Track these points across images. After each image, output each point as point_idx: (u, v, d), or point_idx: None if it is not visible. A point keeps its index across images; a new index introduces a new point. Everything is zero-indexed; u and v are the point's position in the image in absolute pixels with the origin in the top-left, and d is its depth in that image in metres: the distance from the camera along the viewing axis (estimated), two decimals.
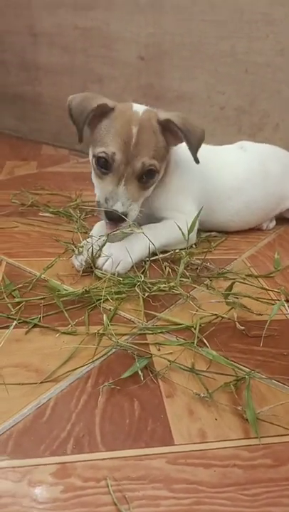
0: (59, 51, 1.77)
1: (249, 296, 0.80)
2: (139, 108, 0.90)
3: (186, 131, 0.87)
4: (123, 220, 0.85)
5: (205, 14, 1.38)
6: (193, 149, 0.89)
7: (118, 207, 0.84)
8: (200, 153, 0.93)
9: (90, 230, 1.00)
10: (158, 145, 0.88)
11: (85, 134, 0.90)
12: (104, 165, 0.86)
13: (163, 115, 0.89)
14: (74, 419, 0.55)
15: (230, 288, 0.77)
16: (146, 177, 0.88)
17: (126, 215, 0.85)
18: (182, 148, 0.92)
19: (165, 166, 0.96)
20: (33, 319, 0.71)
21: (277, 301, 0.79)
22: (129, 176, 0.85)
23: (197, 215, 0.93)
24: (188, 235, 0.91)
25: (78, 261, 0.86)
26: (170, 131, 0.90)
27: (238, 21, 1.33)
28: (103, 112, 0.88)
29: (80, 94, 0.91)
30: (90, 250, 0.85)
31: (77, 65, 1.74)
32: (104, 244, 0.86)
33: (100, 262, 0.85)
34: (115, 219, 0.85)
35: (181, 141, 0.91)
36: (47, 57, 1.81)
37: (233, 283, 0.77)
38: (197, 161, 0.90)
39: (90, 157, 0.91)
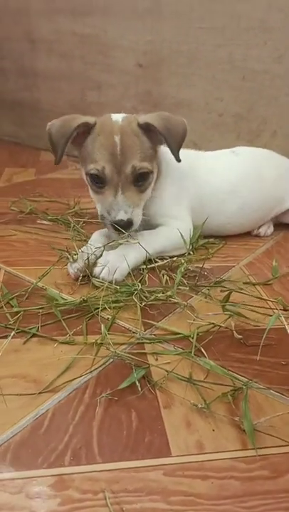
0: (57, 58, 1.77)
1: (246, 305, 0.80)
2: (117, 117, 0.92)
3: (165, 131, 0.88)
4: (130, 227, 0.88)
5: (202, 21, 1.38)
6: (174, 148, 0.90)
7: (122, 215, 0.86)
8: (191, 160, 0.94)
9: (88, 237, 1.00)
10: (143, 146, 0.89)
11: (69, 154, 0.91)
12: (98, 180, 0.88)
13: (142, 118, 0.90)
14: (71, 430, 0.55)
15: (227, 297, 0.77)
16: (141, 180, 0.90)
17: (131, 222, 0.87)
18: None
19: (157, 169, 0.97)
20: (31, 329, 0.71)
21: (275, 310, 0.79)
22: (124, 184, 0.87)
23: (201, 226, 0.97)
24: (188, 243, 0.93)
25: (72, 269, 0.87)
26: (153, 134, 0.91)
27: (235, 28, 1.33)
28: (85, 130, 0.90)
29: (58, 120, 0.92)
30: (85, 258, 0.86)
31: (75, 72, 1.75)
32: (101, 255, 0.86)
33: (96, 270, 0.86)
34: (123, 227, 0.87)
35: (160, 143, 0.93)
36: (45, 63, 1.82)
37: (230, 293, 0.77)
38: (178, 160, 0.91)
39: (83, 175, 0.93)
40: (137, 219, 0.89)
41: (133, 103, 1.64)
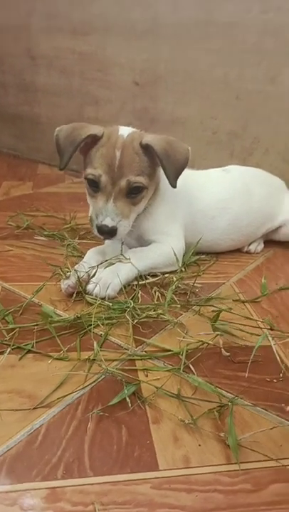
0: (57, 74, 1.82)
1: (235, 323, 0.83)
2: (124, 131, 0.95)
3: (163, 156, 0.91)
4: (113, 235, 0.91)
5: (198, 43, 1.43)
6: (170, 175, 0.93)
7: (108, 222, 0.90)
8: (184, 178, 0.97)
9: (84, 254, 1.03)
10: (141, 164, 0.93)
11: (76, 160, 0.94)
12: (93, 184, 0.93)
13: (146, 139, 0.93)
14: (64, 444, 0.57)
15: (217, 316, 0.80)
16: (134, 193, 0.93)
17: (115, 230, 0.91)
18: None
19: (155, 187, 1.00)
20: (26, 345, 0.74)
21: (263, 330, 0.83)
22: (117, 194, 0.91)
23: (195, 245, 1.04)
24: (180, 260, 0.97)
25: (64, 285, 0.90)
26: (153, 153, 0.94)
27: (230, 50, 1.38)
28: (93, 141, 0.93)
29: (67, 126, 0.96)
30: (78, 275, 0.89)
31: (74, 88, 1.79)
32: (94, 274, 0.89)
33: (90, 287, 0.89)
34: (105, 233, 0.91)
35: (157, 165, 0.96)
36: (45, 79, 1.86)
37: (219, 312, 0.80)
38: (174, 186, 0.95)
39: (83, 178, 0.97)
40: (123, 229, 0.92)
41: (130, 119, 1.68)
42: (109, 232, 0.91)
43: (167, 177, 0.93)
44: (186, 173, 1.14)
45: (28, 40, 1.83)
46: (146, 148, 0.93)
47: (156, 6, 1.48)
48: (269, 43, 1.30)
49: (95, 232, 0.93)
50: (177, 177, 0.95)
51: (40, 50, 1.83)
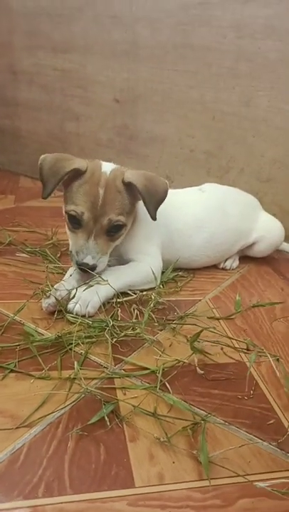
0: (38, 89, 1.84)
1: (210, 342, 0.87)
2: (107, 168, 0.98)
3: (145, 192, 0.95)
4: (93, 271, 0.95)
5: (176, 65, 1.48)
6: (151, 209, 0.97)
7: (88, 260, 0.94)
8: None
9: (65, 271, 1.06)
10: (123, 202, 0.97)
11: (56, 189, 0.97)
12: (74, 221, 0.96)
13: (128, 176, 0.96)
14: (45, 464, 0.60)
15: (197, 335, 0.83)
16: (114, 231, 0.97)
17: (95, 267, 0.95)
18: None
19: (132, 221, 1.04)
20: (9, 364, 0.77)
21: (238, 348, 0.87)
22: (98, 232, 0.95)
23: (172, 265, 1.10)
24: (158, 278, 1.01)
25: (45, 304, 0.93)
26: (134, 189, 0.98)
27: (206, 73, 1.43)
28: (75, 175, 0.96)
29: (52, 156, 0.98)
30: (58, 294, 0.92)
31: (55, 103, 1.82)
32: (74, 295, 0.92)
33: (70, 306, 0.92)
34: (85, 270, 0.95)
35: (138, 199, 1.00)
36: (26, 94, 1.88)
37: (201, 331, 0.83)
38: (154, 219, 0.98)
39: (63, 212, 0.99)
40: (102, 265, 0.97)
41: (110, 135, 1.72)
42: (89, 269, 0.95)
43: (148, 210, 0.97)
44: None
45: (10, 56, 1.86)
46: (128, 185, 0.97)
47: (135, 28, 1.53)
48: (243, 68, 1.36)
49: (74, 266, 0.97)
50: (156, 209, 0.99)
51: (21, 66, 1.85)
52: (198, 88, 1.46)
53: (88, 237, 0.95)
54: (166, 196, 1.00)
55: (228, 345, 0.88)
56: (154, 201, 0.98)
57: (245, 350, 0.88)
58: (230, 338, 0.91)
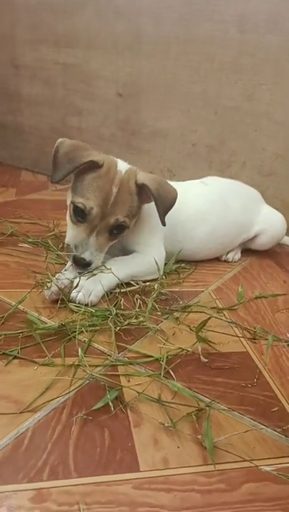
0: (40, 84, 1.84)
1: (213, 331, 0.87)
2: (122, 167, 0.97)
3: (157, 196, 0.95)
4: (87, 267, 0.94)
5: (179, 59, 1.48)
6: (162, 213, 0.97)
7: (86, 256, 0.93)
8: None
9: (66, 262, 1.05)
10: (132, 204, 0.97)
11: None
12: (80, 214, 0.93)
13: (141, 178, 0.96)
14: (50, 448, 0.60)
15: (203, 323, 0.83)
16: (116, 231, 0.96)
17: (90, 263, 0.94)
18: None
19: (134, 224, 1.03)
20: (12, 351, 0.76)
21: (241, 338, 0.87)
22: (101, 229, 0.93)
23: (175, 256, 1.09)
24: (161, 269, 1.01)
25: (48, 292, 0.92)
26: (145, 193, 0.98)
27: (209, 67, 1.43)
28: (90, 166, 0.94)
29: (70, 142, 0.96)
30: (60, 283, 0.92)
31: (57, 98, 1.82)
32: (77, 285, 0.92)
33: (72, 295, 0.92)
34: (80, 265, 0.94)
35: (149, 201, 1.00)
36: (28, 89, 1.88)
37: (209, 318, 0.83)
38: (164, 224, 0.98)
39: (68, 201, 0.98)
40: (97, 262, 0.96)
41: (112, 130, 1.72)
42: (84, 265, 0.93)
43: (159, 214, 0.97)
44: None
45: (12, 50, 1.86)
46: (140, 187, 0.96)
47: (138, 23, 1.53)
48: (246, 62, 1.36)
49: (70, 260, 0.96)
50: (166, 214, 0.99)
51: (24, 60, 1.85)
52: (201, 82, 1.46)
53: (90, 232, 0.93)
54: (174, 203, 1.00)
55: (235, 335, 0.88)
56: (164, 206, 0.98)
57: (252, 340, 0.88)
58: (239, 325, 0.92)
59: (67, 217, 0.99)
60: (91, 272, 0.95)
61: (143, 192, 0.98)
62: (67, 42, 1.71)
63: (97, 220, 0.93)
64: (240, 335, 0.90)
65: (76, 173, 0.96)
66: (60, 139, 0.96)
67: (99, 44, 1.64)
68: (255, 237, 1.28)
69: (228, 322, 0.91)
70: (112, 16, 1.58)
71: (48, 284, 0.93)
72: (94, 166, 0.94)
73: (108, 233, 0.95)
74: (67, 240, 0.98)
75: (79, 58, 1.70)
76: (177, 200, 1.14)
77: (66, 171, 0.92)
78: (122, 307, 0.93)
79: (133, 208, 0.97)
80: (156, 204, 0.96)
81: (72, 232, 0.97)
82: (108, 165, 0.95)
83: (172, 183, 1.21)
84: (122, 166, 0.98)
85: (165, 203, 0.98)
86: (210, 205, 1.20)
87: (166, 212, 0.99)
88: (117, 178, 0.94)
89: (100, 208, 0.92)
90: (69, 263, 1.02)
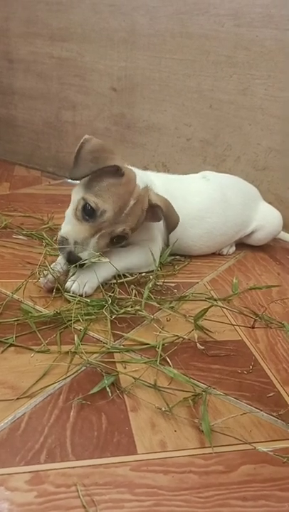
0: (34, 77, 1.84)
1: (209, 320, 0.87)
2: (141, 182, 0.97)
3: (167, 218, 1.01)
4: (76, 262, 0.90)
5: (174, 53, 1.48)
6: (169, 231, 1.04)
7: (84, 255, 0.90)
8: (166, 184, 1.02)
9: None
10: (140, 220, 0.98)
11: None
12: (88, 213, 0.90)
13: (154, 198, 0.99)
14: (47, 431, 0.60)
15: (204, 312, 0.83)
16: (116, 240, 0.96)
17: (80, 259, 0.90)
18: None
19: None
20: (8, 339, 0.76)
21: (235, 327, 0.87)
22: (105, 234, 0.92)
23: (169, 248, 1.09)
24: (158, 261, 1.02)
25: (44, 280, 0.92)
26: (154, 212, 1.00)
27: (204, 62, 1.43)
28: (112, 170, 0.92)
29: (97, 141, 0.95)
30: (55, 273, 0.91)
31: (51, 92, 1.81)
32: (73, 274, 0.92)
33: (67, 285, 0.91)
34: (71, 260, 0.90)
35: (155, 221, 1.04)
36: (22, 82, 1.88)
37: (210, 306, 0.84)
38: (167, 244, 1.07)
39: (77, 196, 0.94)
40: (88, 263, 0.92)
41: (107, 124, 1.72)
42: (74, 261, 0.90)
43: (167, 231, 1.06)
44: (168, 178, 1.19)
45: (6, 43, 1.85)
46: (151, 206, 0.99)
47: (133, 17, 1.53)
48: (241, 56, 1.36)
49: (62, 254, 0.93)
50: (171, 233, 1.06)
51: (18, 54, 1.84)
52: (196, 76, 1.46)
53: (94, 234, 0.91)
54: (177, 226, 1.05)
55: (232, 324, 0.89)
56: (171, 227, 1.04)
57: (252, 328, 0.88)
58: (240, 312, 0.92)
59: (69, 212, 0.96)
60: (87, 260, 0.94)
61: (152, 211, 1.00)
62: (62, 36, 1.71)
63: (105, 225, 0.91)
64: (235, 323, 0.90)
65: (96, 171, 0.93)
66: (86, 136, 0.95)
67: (94, 38, 1.64)
68: (251, 232, 1.28)
69: (230, 310, 0.91)
70: (106, 10, 1.58)
71: (45, 272, 0.92)
72: (116, 171, 0.93)
73: (109, 240, 0.94)
74: (64, 234, 0.93)
75: (73, 52, 1.70)
76: (179, 197, 1.14)
77: (88, 170, 0.90)
78: (118, 298, 0.93)
79: (139, 223, 0.98)
80: (166, 223, 1.03)
81: (72, 228, 0.93)
82: (129, 175, 0.95)
83: (173, 177, 1.22)
84: (140, 180, 0.98)
85: (172, 224, 1.04)
86: (211, 204, 1.19)
87: (171, 232, 1.05)
88: (136, 192, 0.94)
89: (114, 214, 0.91)
90: (60, 257, 0.99)
